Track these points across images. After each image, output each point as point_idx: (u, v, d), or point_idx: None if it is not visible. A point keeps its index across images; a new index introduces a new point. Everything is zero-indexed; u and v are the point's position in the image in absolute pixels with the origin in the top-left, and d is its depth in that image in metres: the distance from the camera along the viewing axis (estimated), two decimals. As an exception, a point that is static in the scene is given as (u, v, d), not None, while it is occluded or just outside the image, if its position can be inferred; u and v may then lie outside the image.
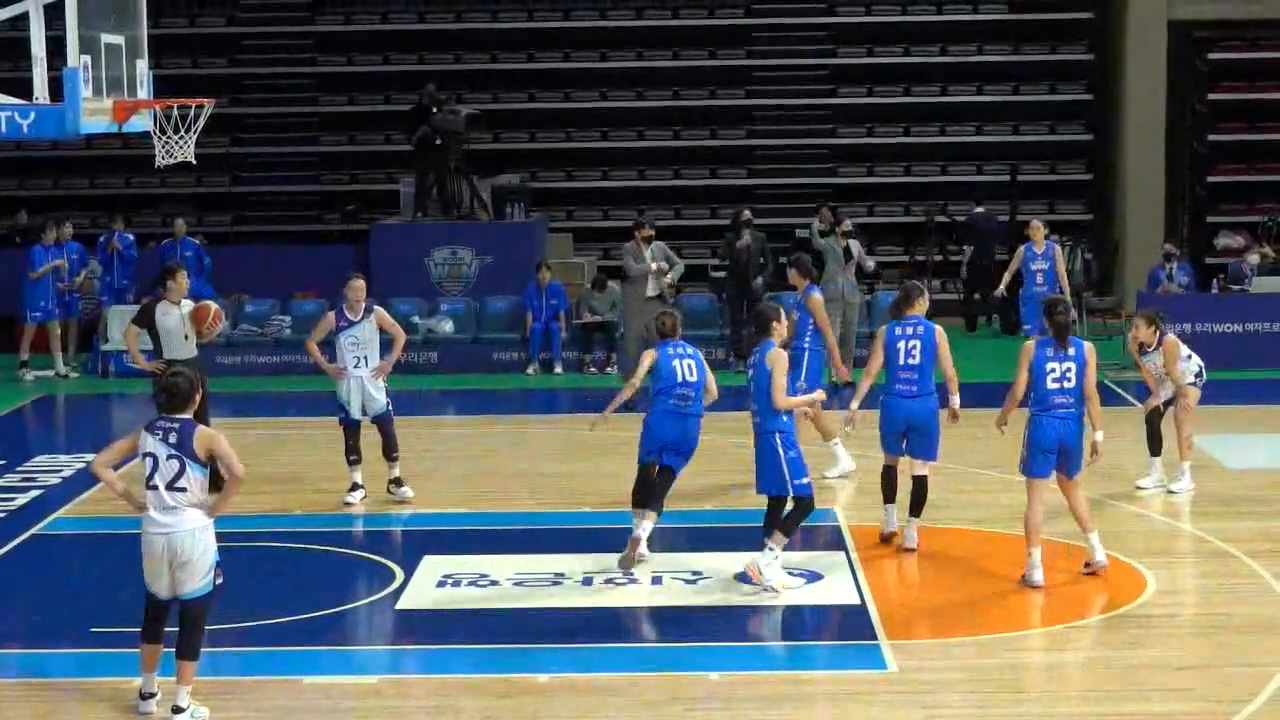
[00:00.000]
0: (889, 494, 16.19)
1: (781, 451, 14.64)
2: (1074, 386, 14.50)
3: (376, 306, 18.45)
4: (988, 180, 33.75)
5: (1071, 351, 14.54)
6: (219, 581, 11.82)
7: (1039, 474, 14.62)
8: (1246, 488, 18.52)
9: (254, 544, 16.75)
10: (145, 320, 18.23)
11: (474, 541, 16.76)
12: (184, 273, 18.46)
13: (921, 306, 15.93)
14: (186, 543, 11.61)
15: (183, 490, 11.60)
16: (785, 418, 14.73)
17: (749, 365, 15.14)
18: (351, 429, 18.25)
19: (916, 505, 15.90)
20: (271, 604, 14.66)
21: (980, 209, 31.83)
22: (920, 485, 15.84)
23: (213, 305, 18.38)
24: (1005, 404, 14.97)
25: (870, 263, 27.49)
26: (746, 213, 27.87)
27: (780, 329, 14.94)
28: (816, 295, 19.02)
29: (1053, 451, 14.56)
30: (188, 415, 11.73)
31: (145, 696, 11.91)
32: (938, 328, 15.79)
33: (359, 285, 18.32)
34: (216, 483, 11.94)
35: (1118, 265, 32.86)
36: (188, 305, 18.14)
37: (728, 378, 26.73)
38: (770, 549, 14.62)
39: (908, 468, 15.99)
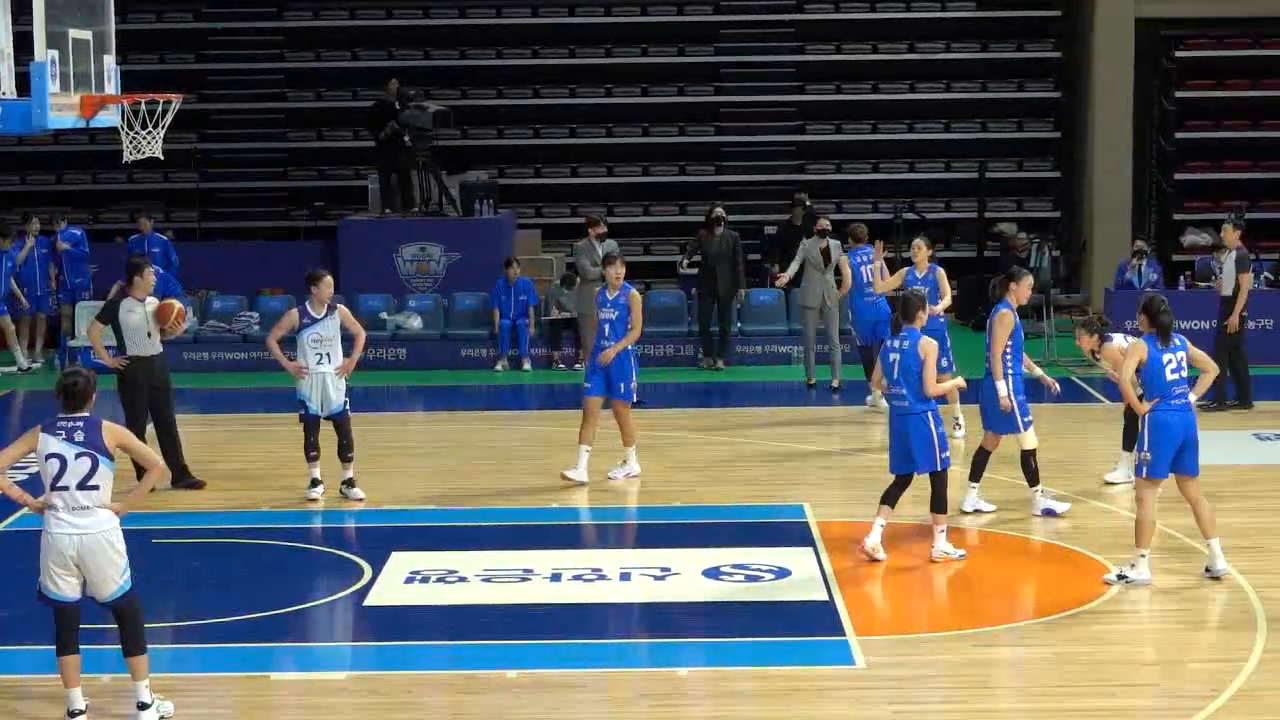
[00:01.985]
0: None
1: (934, 429, 15.36)
2: (1186, 378, 14.78)
3: (339, 304, 18.46)
4: (956, 178, 33.81)
5: (1177, 343, 14.75)
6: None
7: (1160, 475, 14.66)
8: (1213, 484, 18.55)
9: (221, 540, 16.74)
10: (109, 316, 18.26)
11: (442, 538, 16.75)
12: (151, 269, 18.47)
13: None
14: (101, 543, 11.47)
15: (95, 489, 11.45)
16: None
17: (894, 350, 15.54)
18: (312, 425, 18.23)
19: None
20: (239, 600, 14.64)
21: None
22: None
23: (176, 304, 18.40)
24: (1128, 399, 15.04)
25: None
26: (719, 209, 27.87)
27: (923, 317, 15.68)
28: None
29: (1176, 447, 14.64)
30: (88, 413, 11.60)
31: (73, 715, 11.67)
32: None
33: (330, 282, 18.31)
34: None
35: (1086, 262, 32.93)
36: (152, 303, 18.17)
37: (696, 375, 26.83)
38: (942, 530, 15.59)
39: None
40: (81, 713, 11.70)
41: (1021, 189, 34.06)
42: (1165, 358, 14.66)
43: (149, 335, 18.13)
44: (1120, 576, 14.68)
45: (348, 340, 18.34)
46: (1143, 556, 14.71)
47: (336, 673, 12.95)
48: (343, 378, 18.21)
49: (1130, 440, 18.24)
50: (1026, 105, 34.45)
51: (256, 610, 14.38)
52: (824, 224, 25.84)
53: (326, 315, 18.17)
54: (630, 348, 18.66)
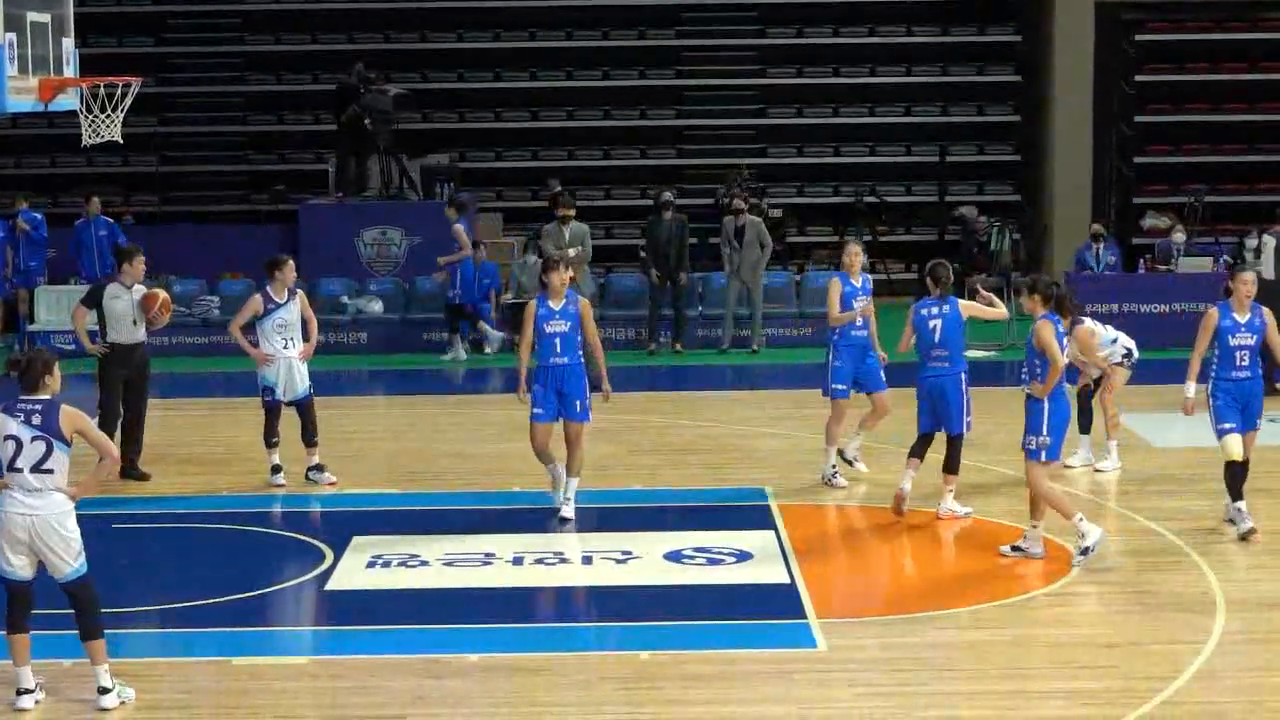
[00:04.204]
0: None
1: (966, 391, 16.28)
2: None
3: (299, 289, 18.45)
4: (917, 161, 33.89)
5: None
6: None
7: (1057, 458, 15.14)
8: (1173, 466, 18.66)
9: (182, 525, 16.70)
10: (93, 301, 18.11)
11: (404, 522, 16.73)
12: (140, 256, 18.27)
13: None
14: (52, 525, 11.44)
15: (49, 472, 11.42)
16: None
17: (934, 316, 16.23)
18: (275, 411, 18.20)
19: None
20: (200, 585, 14.60)
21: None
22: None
23: (162, 293, 18.26)
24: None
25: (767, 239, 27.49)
26: (668, 194, 27.98)
27: (950, 280, 16.39)
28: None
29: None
30: (47, 395, 11.57)
31: (21, 693, 11.63)
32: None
33: (292, 267, 18.30)
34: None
35: (1046, 245, 33.02)
36: (139, 290, 18.01)
37: (655, 358, 26.86)
38: (951, 489, 16.36)
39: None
40: (30, 691, 11.65)
41: (982, 172, 34.17)
42: (1065, 341, 15.02)
43: (134, 323, 18.01)
44: (1082, 552, 14.74)
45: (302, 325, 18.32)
46: (1080, 519, 14.82)
47: (298, 657, 12.93)
48: (304, 362, 18.19)
49: (1086, 423, 18.36)
50: (987, 89, 34.54)
51: (218, 595, 14.33)
52: (738, 203, 27.30)
53: (289, 300, 18.14)
54: (579, 360, 16.27)
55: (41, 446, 11.39)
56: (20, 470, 11.42)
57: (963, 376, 16.30)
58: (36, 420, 11.41)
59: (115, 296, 18.01)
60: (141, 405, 18.43)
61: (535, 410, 16.24)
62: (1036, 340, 14.67)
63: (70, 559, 11.54)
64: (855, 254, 17.87)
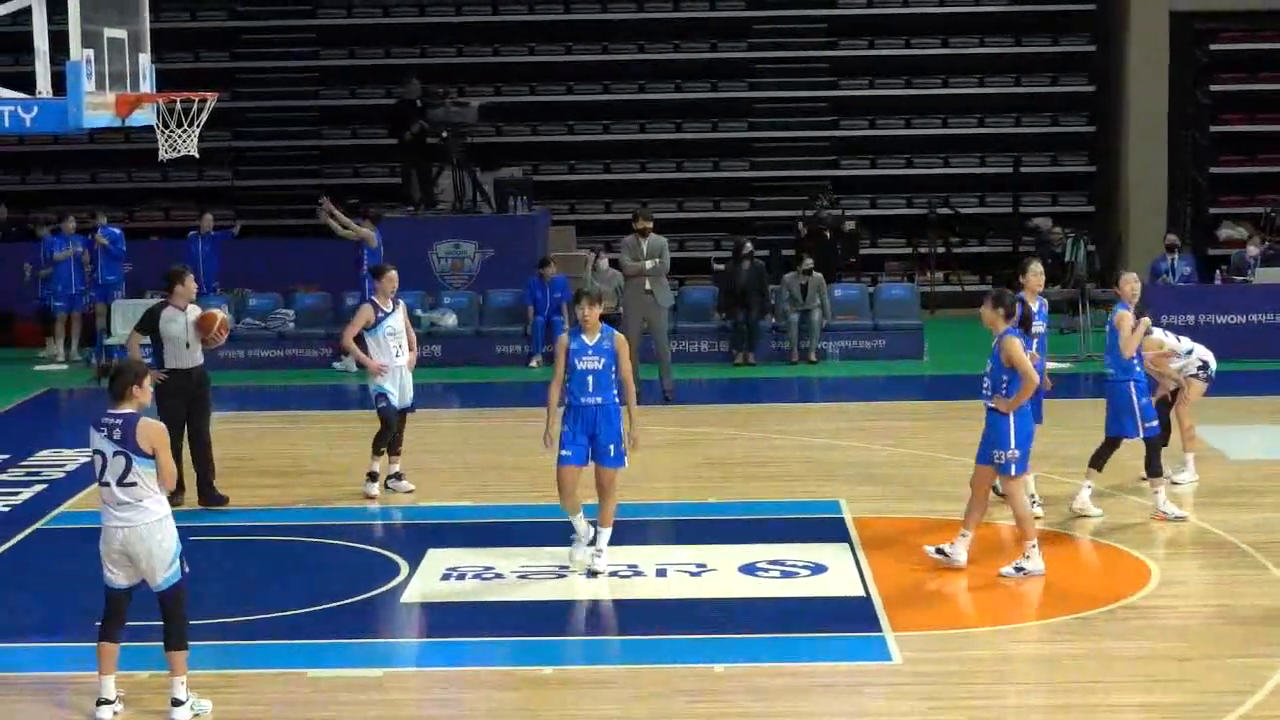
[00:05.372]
0: None
1: (1135, 399, 16.62)
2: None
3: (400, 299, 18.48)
4: (990, 172, 33.76)
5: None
6: (185, 569, 11.79)
7: (1026, 470, 15.14)
8: (1249, 479, 18.52)
9: (256, 537, 16.77)
10: (148, 326, 17.55)
11: (478, 534, 16.76)
12: (191, 276, 17.86)
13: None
14: (145, 534, 11.58)
15: (133, 485, 11.55)
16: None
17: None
18: (394, 418, 18.15)
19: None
20: (275, 597, 14.68)
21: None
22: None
23: (219, 313, 17.77)
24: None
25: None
26: (749, 244, 28.11)
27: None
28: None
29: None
30: (132, 408, 11.67)
31: (102, 703, 11.75)
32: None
33: (394, 275, 18.33)
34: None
35: (1120, 256, 32.83)
36: (194, 311, 17.56)
37: (728, 371, 26.84)
38: (1157, 492, 16.79)
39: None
40: (110, 702, 11.76)
41: (1056, 183, 34.02)
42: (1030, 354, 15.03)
43: (187, 346, 17.42)
44: (1017, 569, 14.79)
45: None
46: (1033, 546, 14.81)
47: (372, 669, 12.96)
48: (411, 370, 18.26)
49: (1164, 437, 18.22)
50: (1061, 99, 34.39)
51: (293, 607, 14.41)
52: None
53: (394, 309, 18.19)
54: (616, 399, 15.01)
55: (122, 461, 11.53)
56: (108, 484, 11.59)
57: (1130, 385, 16.58)
58: (116, 435, 11.53)
59: (170, 320, 17.43)
60: (206, 428, 17.83)
61: (563, 452, 14.88)
62: (1005, 357, 14.60)
63: (164, 567, 11.66)
64: (1037, 274, 16.67)
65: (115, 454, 11.52)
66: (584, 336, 14.81)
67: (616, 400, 14.87)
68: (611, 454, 14.84)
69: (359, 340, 18.30)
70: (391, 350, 18.11)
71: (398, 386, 18.16)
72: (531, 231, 29.83)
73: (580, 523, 15.12)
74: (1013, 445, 14.72)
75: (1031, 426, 15.00)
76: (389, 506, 18.05)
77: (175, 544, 11.73)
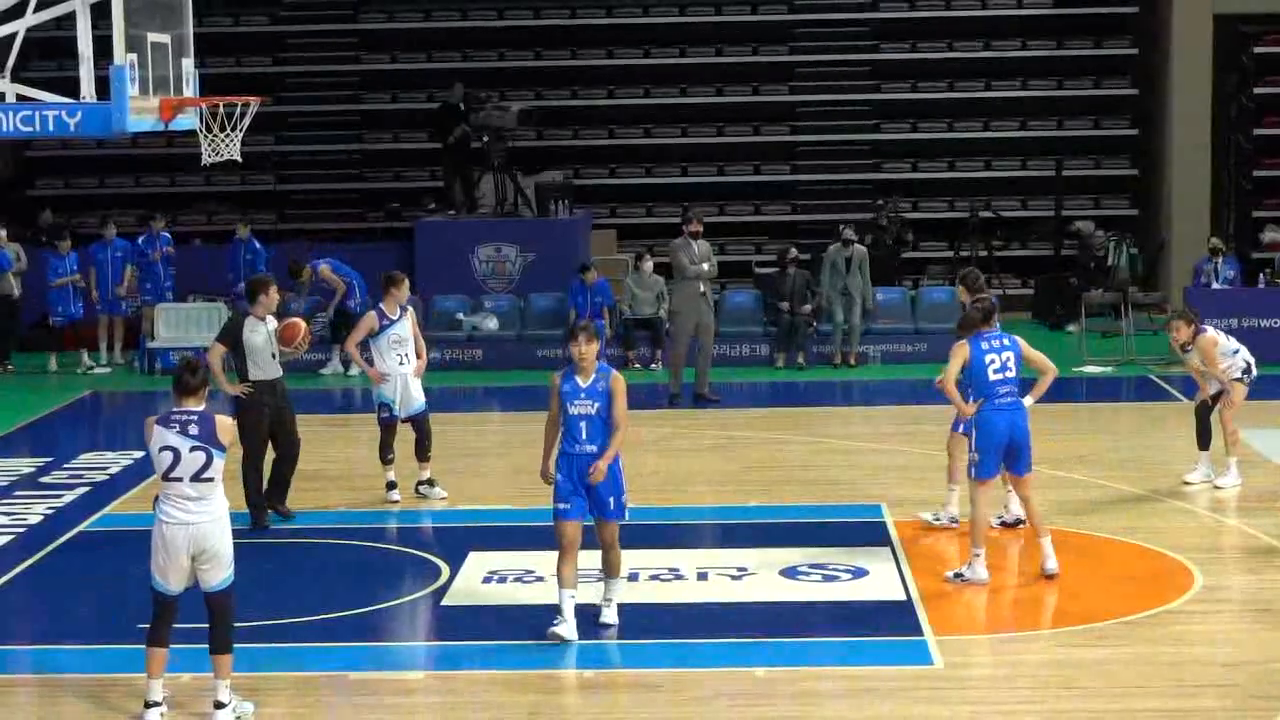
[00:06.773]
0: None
1: None
2: (1014, 378, 14.93)
3: (409, 306, 18.53)
4: (1032, 175, 33.68)
5: (1006, 343, 14.90)
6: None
7: (987, 475, 15.02)
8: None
9: (300, 540, 16.81)
10: (231, 337, 17.10)
11: (520, 537, 16.77)
12: (274, 285, 17.38)
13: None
14: (211, 532, 11.64)
15: (210, 481, 11.60)
16: None
17: None
18: (393, 427, 18.29)
19: None
20: (318, 600, 14.72)
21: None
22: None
23: (302, 323, 17.45)
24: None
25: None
26: (793, 250, 28.11)
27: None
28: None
29: (1003, 446, 14.92)
30: (201, 406, 11.73)
31: (150, 705, 11.79)
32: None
33: (407, 284, 18.44)
34: None
35: (1163, 260, 32.72)
36: (273, 321, 17.20)
37: (770, 374, 26.83)
38: None
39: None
40: (158, 704, 11.81)
41: (1099, 187, 33.89)
42: (988, 358, 14.81)
43: (272, 356, 17.10)
44: (957, 575, 14.80)
45: None
46: (977, 555, 14.79)
47: (415, 672, 13.00)
48: (418, 378, 18.30)
49: (1205, 440, 18.18)
50: (1103, 102, 34.27)
51: (336, 610, 14.44)
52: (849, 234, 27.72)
53: (401, 316, 18.25)
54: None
55: (201, 456, 11.56)
56: (179, 480, 11.59)
57: None
58: (194, 430, 11.58)
59: (253, 330, 16.99)
60: (291, 444, 17.48)
61: (559, 505, 13.50)
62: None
63: (223, 567, 11.73)
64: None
65: (193, 449, 11.54)
66: (578, 379, 13.44)
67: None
68: (611, 507, 13.59)
69: (363, 347, 18.46)
70: (394, 358, 18.17)
71: (401, 395, 18.20)
72: (573, 235, 29.86)
73: (568, 605, 13.47)
74: (973, 448, 14.86)
75: (994, 432, 14.73)
76: (429, 510, 18.08)
77: (232, 545, 11.79)
